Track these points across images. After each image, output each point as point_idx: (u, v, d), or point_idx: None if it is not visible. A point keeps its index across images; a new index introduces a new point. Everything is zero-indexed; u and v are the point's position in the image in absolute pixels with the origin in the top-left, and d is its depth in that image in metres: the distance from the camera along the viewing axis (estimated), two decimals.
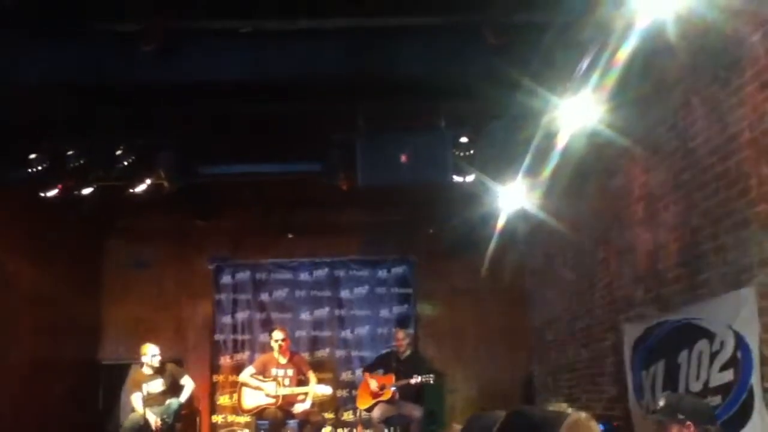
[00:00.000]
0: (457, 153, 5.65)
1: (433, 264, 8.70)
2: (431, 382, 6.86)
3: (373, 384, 7.15)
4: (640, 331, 5.24)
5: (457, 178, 5.85)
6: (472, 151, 5.64)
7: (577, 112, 4.44)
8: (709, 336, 4.25)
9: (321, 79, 5.31)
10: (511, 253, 7.95)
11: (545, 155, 5.09)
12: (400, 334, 7.47)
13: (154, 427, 6.48)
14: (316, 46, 5.04)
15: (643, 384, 5.16)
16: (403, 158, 5.54)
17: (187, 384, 6.98)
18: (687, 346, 4.50)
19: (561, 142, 4.82)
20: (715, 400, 4.02)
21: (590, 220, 6.24)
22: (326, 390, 7.23)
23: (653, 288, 5.12)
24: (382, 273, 8.98)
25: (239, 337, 8.85)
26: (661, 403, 3.25)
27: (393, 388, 6.99)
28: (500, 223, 6.68)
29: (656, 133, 4.90)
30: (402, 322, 8.61)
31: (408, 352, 7.42)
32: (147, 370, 6.85)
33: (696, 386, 4.35)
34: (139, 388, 6.71)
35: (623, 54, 3.77)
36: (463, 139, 5.67)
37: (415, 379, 6.83)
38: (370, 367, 7.50)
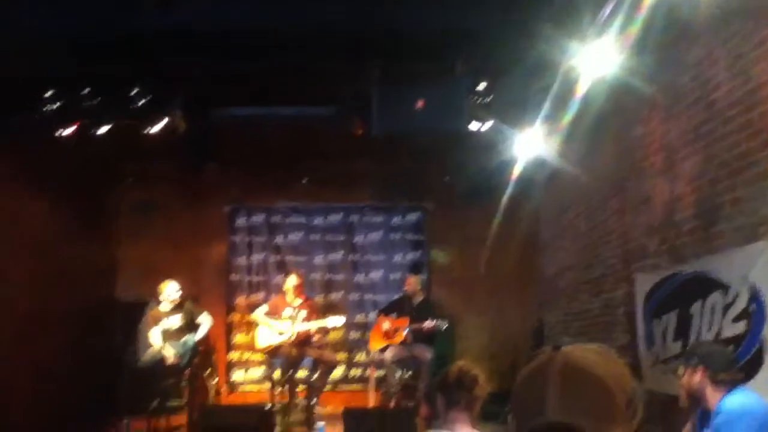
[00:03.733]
0: (474, 100, 5.60)
1: (448, 212, 8.71)
2: (444, 327, 6.96)
3: (386, 326, 7.27)
4: (653, 281, 5.27)
5: (473, 126, 5.81)
6: (489, 98, 5.58)
7: (597, 59, 4.37)
8: (723, 288, 4.26)
9: (337, 27, 5.23)
10: (526, 202, 7.94)
11: (564, 103, 5.03)
12: (412, 279, 7.54)
13: (171, 362, 6.65)
14: None
15: (654, 333, 5.21)
16: (419, 105, 5.49)
17: (205, 321, 7.12)
18: (700, 297, 4.53)
19: (581, 89, 4.75)
20: (731, 350, 4.06)
21: (607, 169, 6.21)
22: (339, 321, 7.30)
23: (668, 239, 5.12)
24: (396, 219, 9.02)
25: (254, 279, 8.98)
26: (680, 350, 3.27)
27: (406, 331, 7.11)
28: (516, 171, 6.65)
29: (678, 83, 4.82)
30: (415, 268, 8.69)
31: (421, 298, 7.52)
32: (165, 307, 6.97)
33: (708, 337, 4.39)
34: (157, 323, 6.85)
35: (648, 0, 3.68)
36: (481, 86, 5.60)
37: (429, 324, 6.92)
38: (384, 310, 7.62)
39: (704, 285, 4.48)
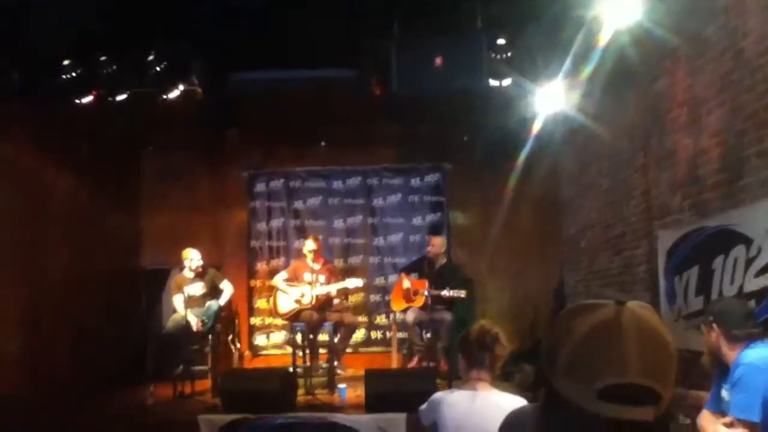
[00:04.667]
0: (493, 56, 5.49)
1: (467, 172, 8.63)
2: (462, 296, 6.96)
3: (407, 285, 7.28)
4: (676, 237, 5.22)
5: (493, 83, 5.70)
6: (509, 54, 5.46)
7: (620, 9, 4.25)
8: (746, 242, 4.20)
9: None
10: (546, 161, 7.85)
11: (586, 56, 4.92)
12: (437, 240, 7.46)
13: (194, 328, 6.71)
14: None
15: (675, 289, 5.17)
16: (438, 62, 5.40)
17: (226, 288, 7.15)
18: (722, 251, 4.48)
19: (602, 41, 4.63)
20: (750, 305, 4.00)
21: (630, 125, 6.10)
22: (357, 282, 7.30)
23: (691, 194, 5.04)
24: (414, 181, 8.97)
25: (274, 244, 9.02)
26: (700, 306, 3.27)
27: (426, 294, 7.10)
28: (536, 127, 6.55)
29: (704, 33, 4.69)
30: (434, 229, 8.67)
31: (443, 261, 7.48)
32: (188, 274, 7.01)
33: (730, 291, 4.35)
34: (180, 290, 6.91)
35: None
36: (501, 41, 5.49)
37: (447, 292, 6.91)
38: (406, 269, 7.62)
39: (727, 239, 4.43)
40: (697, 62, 4.84)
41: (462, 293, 6.89)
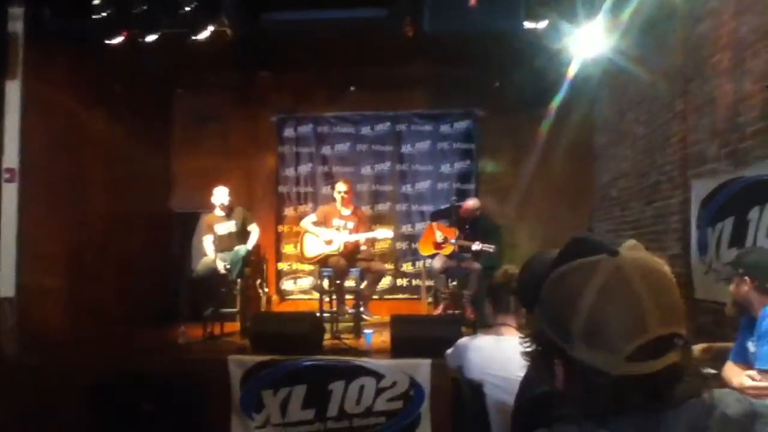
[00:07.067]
0: None
1: (499, 118, 8.47)
2: (491, 252, 6.92)
3: (438, 235, 7.27)
4: (710, 187, 5.08)
5: (528, 25, 5.51)
6: None
7: None
8: None
9: None
10: (581, 107, 7.65)
11: None
12: (468, 203, 7.44)
13: (223, 271, 6.79)
14: None
15: (708, 241, 5.06)
16: (472, 2, 5.23)
17: (253, 231, 7.17)
18: (759, 202, 4.35)
19: None
20: None
21: (670, 69, 5.88)
22: (388, 234, 7.28)
23: (730, 143, 4.87)
24: (444, 128, 8.86)
25: (302, 190, 9.03)
26: (732, 257, 3.20)
27: (453, 242, 7.10)
28: (572, 71, 6.35)
29: None
30: (463, 177, 8.61)
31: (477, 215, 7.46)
32: (218, 212, 7.02)
33: (765, 243, 4.24)
34: (211, 230, 6.96)
35: None
36: None
37: (477, 247, 6.91)
38: (436, 216, 7.60)
39: (764, 190, 4.29)
40: (743, 3, 4.62)
41: (491, 248, 6.87)
